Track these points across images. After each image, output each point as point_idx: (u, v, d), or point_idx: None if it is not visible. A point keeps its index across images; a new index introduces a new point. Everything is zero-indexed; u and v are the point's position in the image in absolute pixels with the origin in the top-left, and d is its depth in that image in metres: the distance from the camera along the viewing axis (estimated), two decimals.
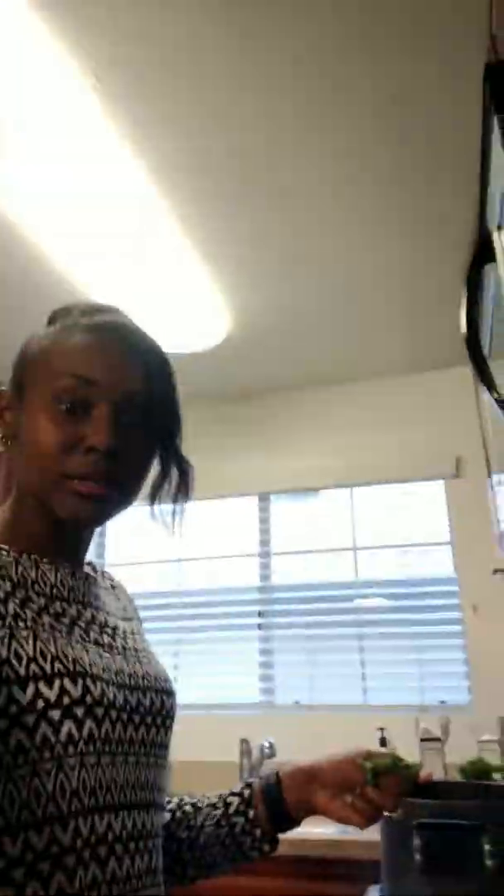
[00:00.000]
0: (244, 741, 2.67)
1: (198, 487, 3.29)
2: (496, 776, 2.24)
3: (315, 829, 1.99)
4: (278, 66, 1.54)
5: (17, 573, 0.70)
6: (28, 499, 0.74)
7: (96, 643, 0.73)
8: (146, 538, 2.87)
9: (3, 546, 0.72)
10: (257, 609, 3.05)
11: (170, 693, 0.80)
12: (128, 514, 0.77)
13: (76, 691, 0.65)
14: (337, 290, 2.43)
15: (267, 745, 2.56)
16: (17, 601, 0.67)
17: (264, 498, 3.21)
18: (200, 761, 2.80)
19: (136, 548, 3.14)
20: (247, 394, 3.31)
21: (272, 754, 2.55)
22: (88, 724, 0.65)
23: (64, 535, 0.76)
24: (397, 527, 2.97)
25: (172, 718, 0.79)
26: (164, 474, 0.79)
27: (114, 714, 0.68)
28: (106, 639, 0.75)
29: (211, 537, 3.18)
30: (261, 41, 1.48)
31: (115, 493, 0.72)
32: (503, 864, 1.19)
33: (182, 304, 2.39)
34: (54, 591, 0.72)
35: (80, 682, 0.65)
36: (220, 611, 3.09)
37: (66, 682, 0.64)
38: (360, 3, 1.41)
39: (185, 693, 2.97)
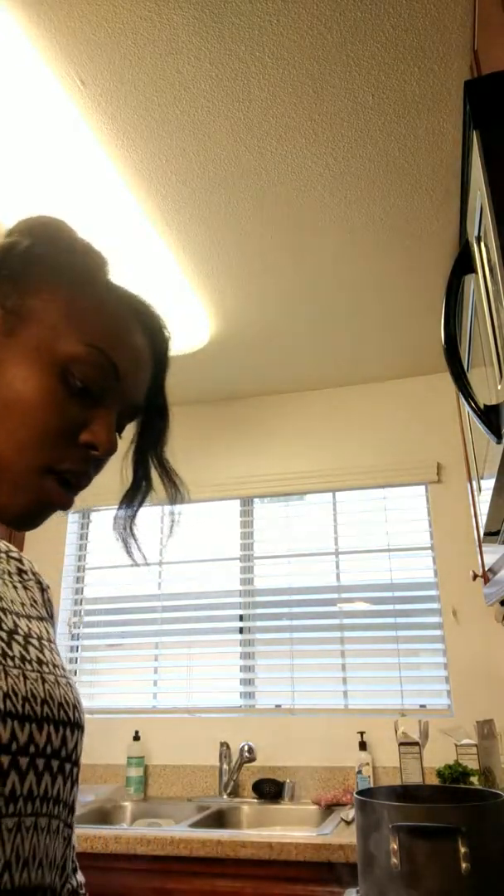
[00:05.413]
0: (224, 744, 2.67)
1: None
2: (473, 780, 2.27)
3: (294, 833, 2.00)
4: (261, 76, 1.56)
5: None
6: None
7: None
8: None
9: None
10: (239, 613, 3.06)
11: (76, 726, 0.57)
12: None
13: None
14: (321, 297, 2.45)
15: (247, 748, 2.57)
16: None
17: (247, 502, 3.22)
18: (180, 765, 2.80)
19: (117, 551, 3.13)
20: (230, 397, 3.33)
21: (252, 758, 2.56)
22: None
23: None
24: (379, 531, 2.99)
25: (75, 762, 0.57)
26: (136, 485, 0.67)
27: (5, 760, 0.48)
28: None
29: (193, 541, 3.19)
30: (245, 50, 1.50)
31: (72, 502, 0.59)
32: (479, 866, 1.21)
33: (165, 306, 2.39)
34: None
35: None
36: (202, 614, 3.09)
37: None
38: (342, 15, 1.43)
39: (165, 696, 2.98)
